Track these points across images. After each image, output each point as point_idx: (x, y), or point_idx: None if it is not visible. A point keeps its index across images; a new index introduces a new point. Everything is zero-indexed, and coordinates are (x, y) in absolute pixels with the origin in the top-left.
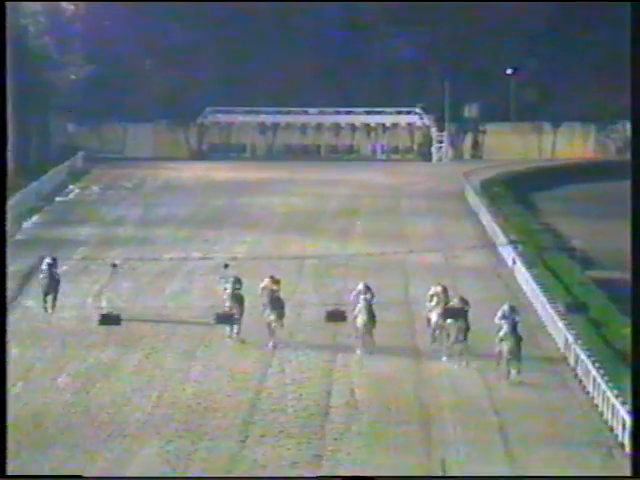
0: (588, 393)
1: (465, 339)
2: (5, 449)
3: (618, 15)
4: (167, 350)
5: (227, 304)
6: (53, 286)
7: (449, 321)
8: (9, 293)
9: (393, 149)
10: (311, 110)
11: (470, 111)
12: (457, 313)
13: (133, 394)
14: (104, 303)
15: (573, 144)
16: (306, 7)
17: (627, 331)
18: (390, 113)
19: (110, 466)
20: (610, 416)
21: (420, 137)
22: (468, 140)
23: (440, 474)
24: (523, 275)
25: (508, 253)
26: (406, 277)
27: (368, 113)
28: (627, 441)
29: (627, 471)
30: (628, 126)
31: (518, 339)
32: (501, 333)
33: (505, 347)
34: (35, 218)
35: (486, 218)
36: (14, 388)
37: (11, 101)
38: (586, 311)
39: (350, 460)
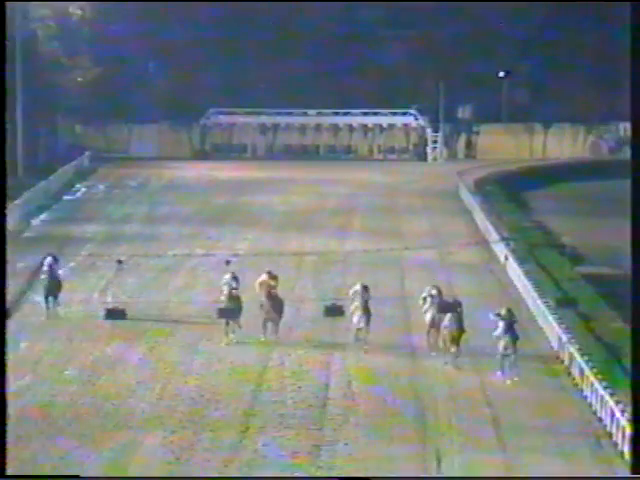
0: (577, 385)
1: (459, 342)
2: (5, 449)
3: (608, 18)
4: (170, 343)
5: (225, 305)
6: (53, 287)
7: (444, 324)
8: (18, 288)
9: (389, 149)
10: (310, 111)
11: (464, 112)
12: (452, 307)
13: (138, 386)
14: (110, 298)
15: (563, 144)
16: (305, 14)
17: (616, 325)
18: (386, 114)
19: (116, 455)
20: (599, 407)
21: (415, 137)
22: (462, 140)
23: (435, 463)
24: (515, 271)
25: (500, 250)
26: (402, 273)
27: (365, 114)
28: (617, 433)
29: (614, 459)
30: (621, 126)
31: (514, 338)
32: (497, 332)
33: (501, 344)
34: (43, 216)
35: (479, 216)
36: (23, 380)
37: (21, 103)
38: (575, 306)
39: (348, 450)
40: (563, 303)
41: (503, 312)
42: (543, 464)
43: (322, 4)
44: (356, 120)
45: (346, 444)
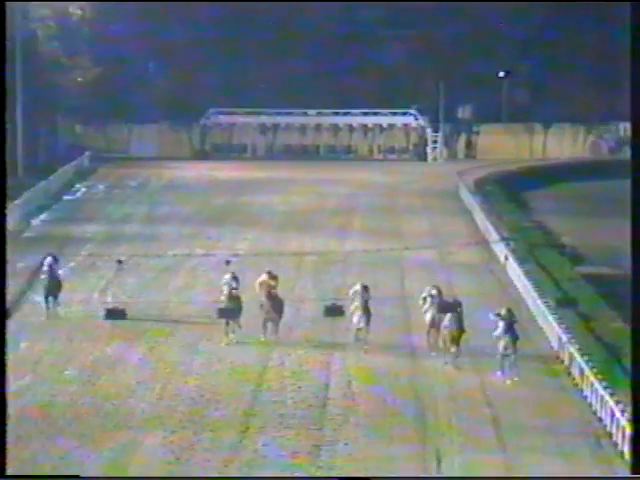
0: (577, 385)
1: (459, 342)
2: (5, 449)
3: (608, 18)
4: (170, 343)
5: (225, 305)
6: (53, 288)
7: (444, 324)
8: (18, 288)
9: (389, 149)
10: (310, 111)
11: (464, 112)
12: (452, 307)
13: (137, 386)
14: (110, 298)
15: (563, 144)
16: (305, 14)
17: (616, 325)
18: (386, 114)
19: (116, 455)
20: (599, 407)
21: (415, 137)
22: (462, 140)
23: (435, 463)
24: (515, 271)
25: (501, 250)
26: (402, 273)
27: (365, 114)
28: (617, 433)
29: (614, 459)
30: (621, 126)
31: (514, 338)
32: (497, 332)
33: (501, 344)
34: (43, 216)
35: (479, 216)
36: (23, 380)
37: (21, 103)
38: (575, 306)
39: (348, 450)
40: (563, 303)
41: (503, 312)
42: (543, 464)
43: (322, 4)
44: (356, 120)
45: (346, 444)
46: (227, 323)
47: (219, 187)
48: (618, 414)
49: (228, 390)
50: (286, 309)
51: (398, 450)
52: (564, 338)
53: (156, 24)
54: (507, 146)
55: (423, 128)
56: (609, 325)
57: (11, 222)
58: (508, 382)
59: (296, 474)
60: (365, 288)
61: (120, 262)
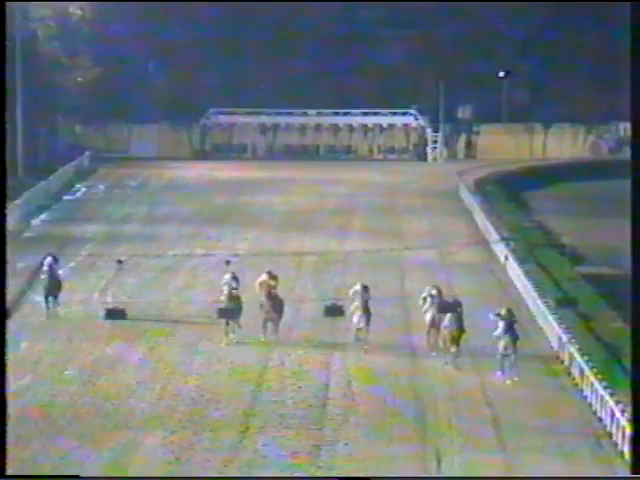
0: (577, 385)
1: (459, 342)
2: (5, 449)
3: (608, 18)
4: (170, 344)
5: (225, 305)
6: (53, 288)
7: (444, 324)
8: (18, 288)
9: (389, 149)
10: (310, 111)
11: (464, 112)
12: (452, 307)
13: (137, 386)
14: (110, 298)
15: (563, 144)
16: (305, 14)
17: (616, 325)
18: (386, 114)
19: (116, 455)
20: (599, 407)
21: (415, 137)
22: (462, 140)
23: (435, 463)
24: (515, 271)
25: (500, 250)
26: (402, 273)
27: (365, 114)
28: (617, 433)
29: (614, 459)
30: (621, 126)
31: (514, 338)
32: (497, 332)
33: (501, 344)
34: (43, 216)
35: (479, 216)
36: (23, 380)
37: (21, 103)
38: (575, 306)
39: (348, 450)
40: (563, 303)
41: (503, 312)
42: (543, 464)
43: (322, 4)
44: (356, 120)
45: (346, 444)
46: (227, 323)
47: (219, 187)
48: (618, 414)
49: (228, 390)
50: (286, 309)
51: (398, 450)
52: (564, 338)
53: (156, 24)
54: (507, 146)
55: (423, 128)
56: (609, 325)
57: (11, 222)
58: (508, 382)
59: (296, 474)
60: (365, 288)
61: (120, 262)
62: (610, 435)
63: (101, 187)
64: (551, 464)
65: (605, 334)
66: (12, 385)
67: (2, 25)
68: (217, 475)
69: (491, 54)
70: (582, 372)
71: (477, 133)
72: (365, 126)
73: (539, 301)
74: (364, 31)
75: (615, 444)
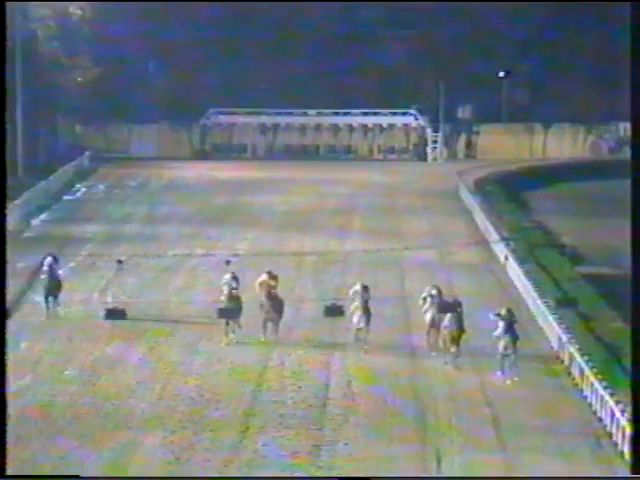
0: (577, 385)
1: (459, 342)
2: (5, 449)
3: (608, 18)
4: (170, 344)
5: (225, 305)
6: (53, 288)
7: (444, 324)
8: (18, 288)
9: (389, 149)
10: (310, 111)
11: (464, 112)
12: (452, 307)
13: (137, 386)
14: (110, 298)
15: (563, 144)
16: (305, 14)
17: (616, 325)
18: (386, 114)
19: (116, 455)
20: (599, 407)
21: (415, 137)
22: (462, 140)
23: (435, 463)
24: (515, 271)
25: (500, 250)
26: (402, 273)
27: (365, 114)
28: (617, 433)
29: (614, 459)
30: (621, 126)
31: (514, 338)
32: (497, 332)
33: (501, 344)
34: (43, 216)
35: (479, 216)
36: (23, 380)
37: (21, 103)
38: (575, 306)
39: (348, 450)
40: (563, 303)
41: (503, 312)
42: (543, 464)
43: (322, 4)
44: (356, 120)
45: (346, 444)
46: (227, 323)
47: (219, 187)
48: (618, 414)
49: (228, 390)
50: (286, 309)
51: (398, 450)
52: (564, 338)
53: (156, 24)
54: (507, 146)
55: (423, 128)
56: (609, 325)
57: (11, 222)
58: (508, 382)
59: (296, 474)
60: (365, 288)
61: (120, 262)
62: (610, 435)
63: (101, 187)
64: (551, 464)
65: (605, 334)
66: (12, 385)
67: (2, 25)
68: (217, 475)
69: (491, 54)
70: (582, 372)
71: (477, 133)
72: (365, 126)
73: (539, 301)
74: (364, 31)
75: (615, 444)
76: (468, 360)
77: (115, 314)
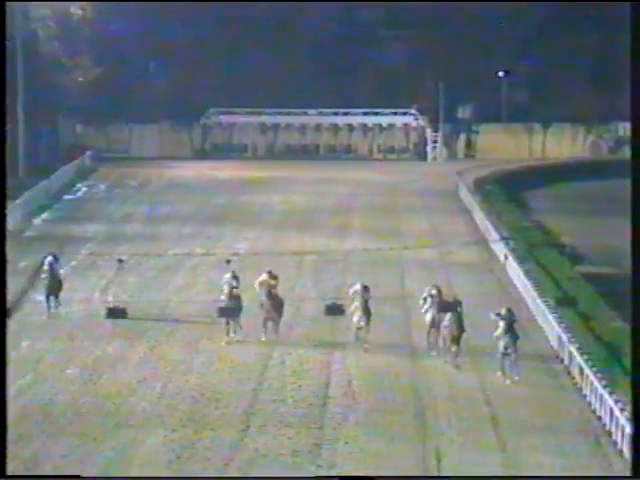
0: (577, 384)
1: (459, 342)
2: (5, 449)
3: (606, 19)
4: (171, 342)
5: (225, 304)
6: (54, 287)
7: (444, 324)
8: (20, 287)
9: (389, 149)
10: (310, 111)
11: (463, 112)
12: (452, 307)
13: (138, 385)
14: (110, 297)
15: (562, 144)
16: (305, 15)
17: (615, 324)
18: (386, 114)
19: (117, 454)
20: (598, 406)
21: (415, 137)
22: (462, 140)
23: (434, 462)
24: (514, 270)
25: (500, 249)
26: (402, 272)
27: (365, 114)
28: (617, 432)
29: (613, 458)
30: (621, 126)
31: (514, 338)
32: (497, 332)
33: (501, 344)
34: (45, 215)
35: (479, 215)
36: (24, 379)
37: (22, 103)
38: (575, 305)
39: (348, 448)
40: (563, 302)
41: (503, 312)
42: (542, 463)
43: (322, 4)
44: (356, 120)
45: (346, 442)
46: (227, 322)
47: (219, 186)
48: (617, 413)
49: (229, 389)
50: (286, 308)
51: (398, 448)
52: (564, 337)
53: (156, 24)
54: (506, 146)
55: (423, 128)
56: (609, 324)
57: (13, 221)
58: (508, 382)
59: (296, 473)
60: (365, 288)
61: (121, 261)
62: (609, 434)
63: (102, 187)
64: (551, 463)
65: (605, 333)
66: (14, 384)
67: (2, 25)
68: (217, 475)
69: (490, 54)
70: (582, 371)
71: (477, 133)
72: (365, 126)
73: (539, 300)
74: (364, 31)
75: (615, 442)
76: (468, 360)
77: (116, 313)
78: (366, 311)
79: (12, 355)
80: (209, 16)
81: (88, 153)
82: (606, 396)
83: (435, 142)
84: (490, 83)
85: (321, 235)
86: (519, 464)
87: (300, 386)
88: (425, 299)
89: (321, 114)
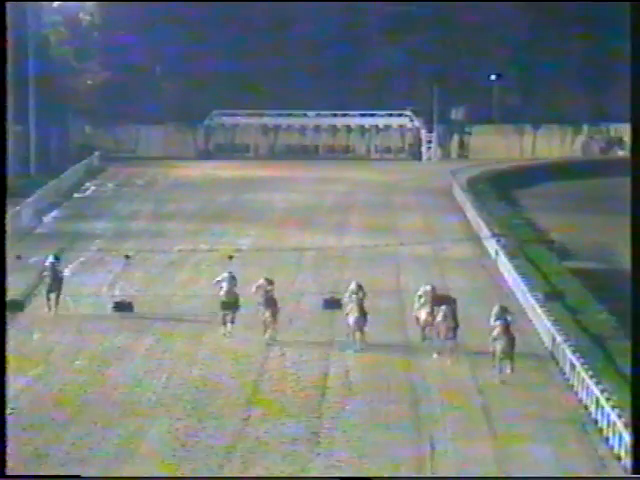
0: (564, 374)
1: (454, 336)
2: (5, 449)
3: (595, 23)
4: (176, 335)
5: (226, 298)
6: (55, 285)
7: (439, 319)
8: (31, 282)
9: (386, 149)
10: (310, 113)
11: (457, 114)
12: (446, 302)
13: (144, 376)
14: (118, 291)
15: (551, 144)
16: (305, 19)
17: (601, 317)
18: (383, 116)
19: (124, 442)
20: (585, 396)
21: (411, 138)
22: (455, 141)
23: (429, 450)
24: (505, 266)
25: (492, 245)
26: (397, 268)
27: (362, 116)
28: (611, 431)
29: (613, 458)
30: (611, 127)
31: (511, 339)
32: (494, 333)
33: (498, 346)
34: (54, 213)
35: (471, 213)
36: (36, 369)
37: (33, 105)
38: (563, 299)
39: (345, 437)
40: (551, 296)
41: (500, 313)
42: (532, 451)
43: (321, 8)
44: (354, 121)
45: (344, 431)
46: (224, 315)
47: (222, 185)
48: (603, 401)
49: (231, 380)
50: (287, 302)
51: (394, 437)
52: (552, 330)
53: (162, 30)
54: (498, 146)
55: (418, 129)
56: (595, 317)
57: (24, 219)
58: (500, 375)
59: (296, 460)
60: (359, 287)
61: (128, 257)
62: (595, 422)
63: (110, 185)
64: (540, 451)
65: (591, 325)
66: (26, 374)
67: (2, 25)
68: (217, 475)
69: (483, 58)
70: (572, 363)
71: (469, 134)
72: (362, 127)
73: (528, 294)
74: (361, 35)
75: (600, 430)
76: (461, 353)
77: (123, 307)
78: (361, 310)
79: (24, 347)
80: (210, 21)
81: (97, 153)
82: (593, 387)
83: (430, 143)
84: (482, 86)
85: (320, 232)
86: (509, 451)
87: (299, 377)
88: (420, 297)
89: (320, 116)
